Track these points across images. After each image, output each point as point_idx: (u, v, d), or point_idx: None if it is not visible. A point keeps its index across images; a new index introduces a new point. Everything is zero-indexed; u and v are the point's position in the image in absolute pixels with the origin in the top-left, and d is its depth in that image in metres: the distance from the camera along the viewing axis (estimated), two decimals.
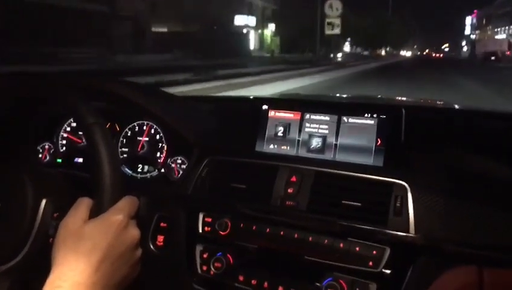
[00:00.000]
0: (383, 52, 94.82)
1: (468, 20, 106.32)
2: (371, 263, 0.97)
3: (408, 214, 0.96)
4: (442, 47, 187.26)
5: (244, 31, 31.04)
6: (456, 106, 1.47)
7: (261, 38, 38.63)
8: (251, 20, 32.88)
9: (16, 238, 0.92)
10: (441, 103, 1.65)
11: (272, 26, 44.81)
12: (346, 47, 69.27)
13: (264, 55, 36.73)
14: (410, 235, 0.95)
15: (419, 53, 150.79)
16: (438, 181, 1.00)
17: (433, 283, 0.94)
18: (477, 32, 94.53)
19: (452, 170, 1.04)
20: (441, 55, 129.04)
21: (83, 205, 0.82)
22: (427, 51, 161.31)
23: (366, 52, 69.23)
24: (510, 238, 0.93)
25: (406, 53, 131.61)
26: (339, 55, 43.49)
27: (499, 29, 67.86)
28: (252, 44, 40.20)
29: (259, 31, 37.65)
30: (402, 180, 0.99)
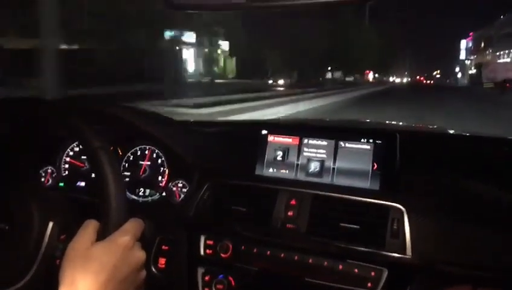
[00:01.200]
0: (371, 78, 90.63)
1: (463, 44, 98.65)
2: (369, 284, 0.99)
3: (405, 236, 0.99)
4: (434, 73, 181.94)
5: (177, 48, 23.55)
6: (450, 131, 1.51)
7: (210, 59, 29.89)
8: (188, 36, 24.95)
9: (22, 260, 0.94)
10: (435, 127, 1.70)
11: (225, 45, 35.47)
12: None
13: (206, 80, 28.47)
14: (407, 256, 0.97)
15: (410, 79, 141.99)
16: (433, 204, 1.04)
17: None
18: (472, 57, 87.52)
19: (447, 193, 1.08)
20: (431, 81, 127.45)
21: (90, 227, 0.84)
22: (417, 77, 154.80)
23: (350, 78, 62.01)
24: (503, 259, 0.96)
25: (396, 79, 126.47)
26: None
27: (501, 53, 57.46)
28: (192, 65, 33.29)
29: (206, 50, 29.45)
30: (398, 204, 1.02)
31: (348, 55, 41.62)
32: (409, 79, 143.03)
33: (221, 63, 38.18)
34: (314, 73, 41.53)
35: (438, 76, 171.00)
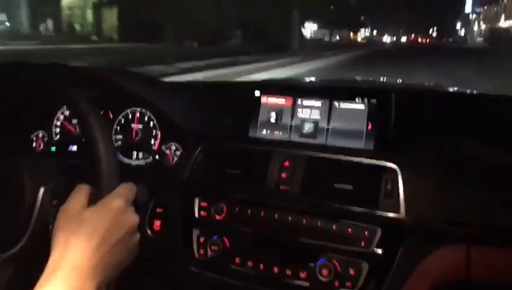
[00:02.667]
0: (359, 38, 79.61)
1: None
2: (362, 243, 1.00)
3: (398, 195, 0.99)
4: (430, 32, 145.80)
5: None
6: (447, 89, 1.50)
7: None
8: None
9: (15, 226, 0.94)
10: (432, 85, 1.68)
11: None
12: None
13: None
14: (401, 216, 0.98)
15: (405, 39, 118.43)
16: (427, 163, 1.03)
17: (423, 262, 0.97)
18: (483, 8, 70.68)
19: (441, 152, 1.07)
20: (428, 40, 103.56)
21: (82, 191, 0.84)
22: (413, 36, 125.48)
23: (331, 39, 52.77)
24: (497, 217, 0.96)
25: (389, 39, 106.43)
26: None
27: None
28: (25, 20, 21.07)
29: None
30: (392, 163, 1.02)
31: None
32: (405, 38, 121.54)
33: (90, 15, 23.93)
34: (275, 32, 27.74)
35: (435, 34, 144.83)
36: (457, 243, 0.97)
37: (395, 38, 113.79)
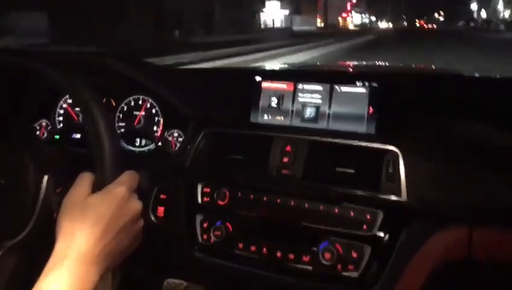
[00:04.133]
0: (351, 25, 65.81)
1: None
2: (365, 227, 1.01)
3: (400, 179, 0.99)
4: (435, 16, 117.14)
5: None
6: (449, 72, 1.49)
7: None
8: None
9: (19, 214, 0.94)
10: (434, 68, 1.67)
11: None
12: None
13: None
14: (402, 199, 0.98)
15: (405, 24, 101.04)
16: (428, 146, 1.03)
17: (425, 243, 0.98)
18: None
19: (443, 135, 1.07)
20: (433, 25, 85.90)
21: (86, 179, 0.85)
22: (417, 21, 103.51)
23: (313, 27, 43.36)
24: (498, 198, 0.96)
25: (386, 25, 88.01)
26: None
27: None
28: None
29: None
30: (393, 146, 1.02)
31: None
32: (405, 24, 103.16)
33: None
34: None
35: (442, 19, 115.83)
36: (459, 224, 0.98)
37: (391, 25, 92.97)
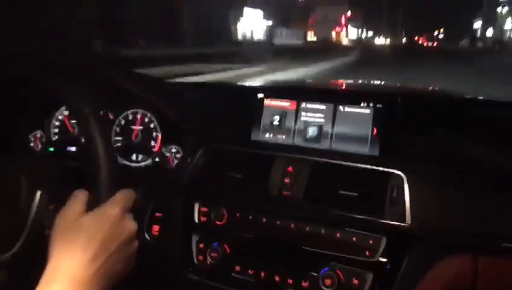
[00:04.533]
0: (345, 40, 61.73)
1: None
2: (367, 253, 0.98)
3: (404, 203, 0.96)
4: (435, 33, 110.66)
5: None
6: (453, 93, 1.47)
7: None
8: None
9: (10, 229, 0.92)
10: (438, 89, 1.65)
11: None
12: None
13: None
14: (406, 224, 0.95)
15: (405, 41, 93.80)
16: (434, 170, 1.00)
17: (429, 271, 0.95)
18: None
19: (448, 159, 1.05)
20: (434, 43, 79.76)
21: (80, 197, 0.82)
22: (416, 38, 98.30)
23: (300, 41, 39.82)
24: (505, 227, 0.93)
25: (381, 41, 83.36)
26: None
27: None
28: None
29: None
30: (398, 170, 0.99)
31: None
32: (404, 40, 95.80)
33: None
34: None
35: (441, 36, 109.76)
36: (464, 252, 0.95)
37: (388, 41, 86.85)
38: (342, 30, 66.45)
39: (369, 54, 31.12)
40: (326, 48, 30.59)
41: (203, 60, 13.94)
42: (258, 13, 44.06)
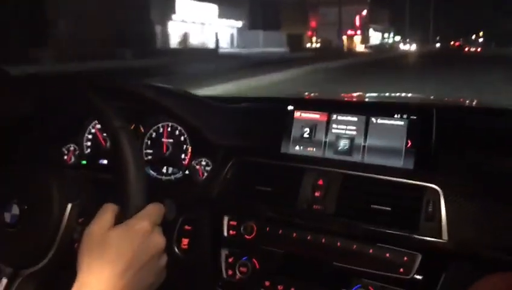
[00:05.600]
0: (361, 45, 52.24)
1: None
2: (401, 270, 0.94)
3: (440, 219, 0.93)
4: (473, 37, 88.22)
5: None
6: (490, 106, 1.41)
7: None
8: None
9: (41, 242, 0.92)
10: (474, 102, 1.59)
11: None
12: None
13: None
14: (443, 241, 0.91)
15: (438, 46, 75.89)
16: (471, 184, 0.96)
17: None
18: None
19: (486, 173, 1.00)
20: (478, 49, 57.99)
21: (108, 211, 0.81)
22: (452, 43, 76.85)
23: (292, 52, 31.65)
24: None
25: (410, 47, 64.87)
26: None
27: None
28: None
29: None
30: (434, 184, 0.96)
31: None
32: (437, 45, 77.90)
33: None
34: None
35: (481, 40, 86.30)
36: (504, 270, 0.90)
37: (415, 47, 67.34)
38: (355, 34, 54.35)
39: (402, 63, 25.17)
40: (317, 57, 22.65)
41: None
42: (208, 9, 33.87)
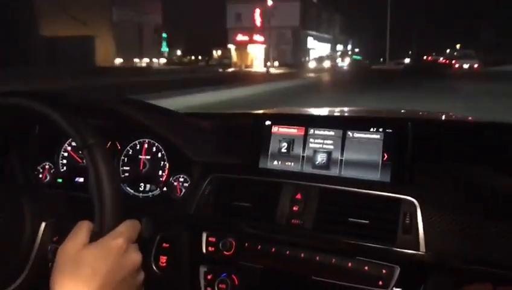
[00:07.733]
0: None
1: None
2: (380, 283, 0.94)
3: (418, 231, 0.93)
4: (447, 51, 68.24)
5: None
6: (464, 118, 1.44)
7: None
8: None
9: (14, 262, 0.90)
10: (449, 115, 1.63)
11: None
12: None
13: None
14: (421, 253, 0.92)
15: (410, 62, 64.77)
16: (447, 197, 0.97)
17: None
18: None
19: (462, 185, 1.02)
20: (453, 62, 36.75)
21: (83, 228, 0.80)
22: (425, 57, 75.70)
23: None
24: None
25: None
26: None
27: None
28: None
29: None
30: (411, 197, 0.96)
31: None
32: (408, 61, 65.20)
33: None
34: None
35: (456, 53, 53.45)
36: (482, 281, 0.91)
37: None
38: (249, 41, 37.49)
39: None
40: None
41: None
42: None
